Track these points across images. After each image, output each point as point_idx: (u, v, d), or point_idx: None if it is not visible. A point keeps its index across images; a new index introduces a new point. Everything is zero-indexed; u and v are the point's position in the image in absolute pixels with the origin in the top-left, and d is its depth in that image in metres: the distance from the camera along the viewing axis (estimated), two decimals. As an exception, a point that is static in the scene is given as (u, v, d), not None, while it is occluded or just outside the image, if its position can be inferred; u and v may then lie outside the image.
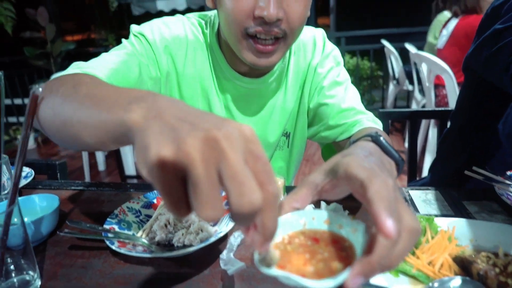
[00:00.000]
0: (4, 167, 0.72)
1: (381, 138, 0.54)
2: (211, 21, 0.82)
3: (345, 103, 0.83)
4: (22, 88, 4.39)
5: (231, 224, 0.62)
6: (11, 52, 4.63)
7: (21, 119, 4.54)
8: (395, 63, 3.69)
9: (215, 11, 0.82)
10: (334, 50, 0.89)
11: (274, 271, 0.33)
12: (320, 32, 0.89)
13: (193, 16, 0.84)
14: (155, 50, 0.77)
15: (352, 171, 0.37)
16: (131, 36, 0.79)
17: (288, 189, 0.78)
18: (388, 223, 0.32)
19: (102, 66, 0.68)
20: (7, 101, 4.49)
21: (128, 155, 2.78)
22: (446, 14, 3.08)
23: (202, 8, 4.78)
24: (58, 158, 3.80)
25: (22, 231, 0.53)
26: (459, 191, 0.76)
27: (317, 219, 0.40)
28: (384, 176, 0.37)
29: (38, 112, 0.51)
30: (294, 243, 0.38)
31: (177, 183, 0.27)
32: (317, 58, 0.87)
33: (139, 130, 0.31)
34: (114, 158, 2.73)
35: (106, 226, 0.63)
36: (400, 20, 4.80)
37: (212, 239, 0.59)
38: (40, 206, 0.72)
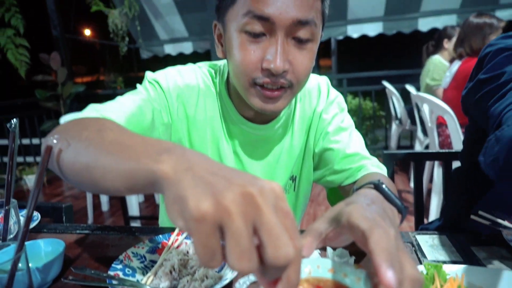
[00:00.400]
0: (12, 211, 0.72)
1: (384, 186, 0.55)
2: (221, 70, 0.86)
3: (350, 148, 0.85)
4: (31, 129, 4.49)
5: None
6: (23, 95, 4.79)
7: (28, 159, 4.59)
8: (396, 103, 3.76)
9: (224, 61, 0.87)
10: (338, 97, 0.92)
11: None
12: (324, 80, 0.93)
13: (204, 66, 0.88)
14: (168, 97, 0.80)
15: (354, 221, 0.39)
16: (146, 82, 0.82)
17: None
18: (389, 274, 0.33)
19: (119, 110, 0.71)
20: (16, 142, 4.56)
21: (132, 196, 2.77)
22: (438, 57, 3.18)
23: (208, 52, 4.97)
24: (62, 198, 3.79)
25: (27, 278, 0.53)
26: (467, 236, 0.75)
27: (322, 267, 0.40)
28: (386, 226, 0.38)
29: (57, 154, 0.51)
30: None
31: (213, 235, 0.28)
32: (322, 104, 0.90)
33: (171, 182, 0.32)
34: (118, 199, 2.72)
35: (111, 272, 0.63)
36: (400, 63, 4.95)
37: (217, 287, 0.58)
38: (45, 251, 0.72)
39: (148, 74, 0.83)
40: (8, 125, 0.65)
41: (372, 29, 4.86)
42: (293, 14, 0.65)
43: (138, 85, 0.83)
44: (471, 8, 4.47)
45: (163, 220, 1.02)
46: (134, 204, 2.84)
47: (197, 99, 0.83)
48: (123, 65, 5.61)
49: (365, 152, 0.86)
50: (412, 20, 4.73)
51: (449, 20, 4.60)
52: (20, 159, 4.60)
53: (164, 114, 0.80)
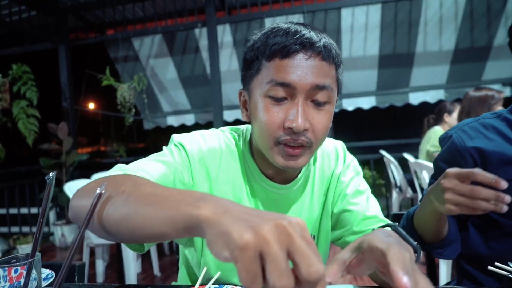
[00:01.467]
0: (37, 265, 0.73)
1: (399, 228, 0.60)
2: (243, 133, 0.92)
3: (369, 211, 0.89)
4: (31, 199, 4.46)
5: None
6: (27, 162, 4.85)
7: (24, 229, 4.48)
8: (395, 171, 3.84)
9: (245, 126, 0.94)
10: (353, 161, 0.98)
11: None
12: (340, 144, 0.99)
13: (227, 130, 0.94)
14: (191, 160, 0.85)
15: (374, 243, 0.47)
16: (171, 145, 0.87)
17: None
18: (404, 279, 0.40)
19: (146, 170, 0.75)
20: (14, 211, 4.51)
21: (130, 266, 2.68)
22: (438, 127, 3.38)
23: (210, 123, 5.17)
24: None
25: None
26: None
27: None
28: (401, 249, 0.45)
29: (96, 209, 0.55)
30: None
31: (255, 260, 0.34)
32: (340, 167, 0.94)
33: (213, 222, 0.38)
34: (115, 269, 2.63)
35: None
36: (394, 133, 5.15)
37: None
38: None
39: (175, 137, 0.89)
40: (46, 178, 0.69)
41: (366, 103, 5.16)
42: (311, 80, 0.73)
43: (164, 147, 0.88)
44: (456, 84, 4.82)
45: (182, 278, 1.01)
46: (132, 276, 2.73)
47: (220, 161, 0.88)
48: (125, 136, 5.77)
49: (382, 215, 0.90)
50: (403, 94, 5.05)
51: (438, 94, 4.92)
52: (15, 228, 4.49)
53: (186, 175, 0.84)
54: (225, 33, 4.75)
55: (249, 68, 0.81)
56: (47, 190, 0.69)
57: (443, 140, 1.05)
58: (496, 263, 0.73)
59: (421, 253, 0.61)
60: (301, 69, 0.73)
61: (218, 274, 0.80)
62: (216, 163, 0.88)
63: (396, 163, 3.80)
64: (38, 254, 0.75)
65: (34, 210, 4.51)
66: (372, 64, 4.93)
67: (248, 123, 0.88)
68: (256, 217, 0.37)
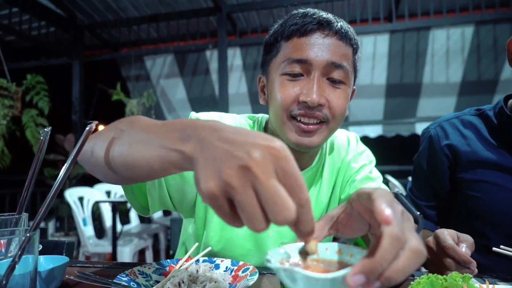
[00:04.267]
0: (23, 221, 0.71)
1: (402, 196, 0.56)
2: (259, 120, 0.92)
3: None
4: (32, 209, 4.43)
5: (248, 284, 0.58)
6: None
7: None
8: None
9: (262, 114, 0.94)
10: (366, 150, 0.96)
11: (279, 266, 0.35)
12: (353, 134, 0.98)
13: (243, 116, 0.94)
14: None
15: (361, 190, 0.43)
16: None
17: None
18: (387, 211, 0.35)
19: None
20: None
21: None
22: None
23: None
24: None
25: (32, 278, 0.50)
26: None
27: (330, 249, 0.43)
28: (394, 202, 0.40)
29: (93, 147, 0.56)
30: (307, 264, 0.40)
31: (225, 206, 0.34)
32: (351, 154, 0.92)
33: (192, 162, 0.37)
34: None
35: (116, 281, 0.59)
36: (400, 160, 5.11)
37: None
38: (46, 265, 0.68)
39: (193, 114, 0.88)
40: (41, 132, 0.69)
41: (372, 131, 5.14)
42: (328, 57, 0.74)
43: None
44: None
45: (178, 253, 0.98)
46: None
47: None
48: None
49: None
50: (410, 125, 5.04)
51: (445, 125, 4.90)
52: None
53: None
54: (235, 57, 4.86)
55: (268, 51, 0.82)
56: (40, 144, 0.68)
57: (423, 135, 1.06)
58: (502, 246, 0.70)
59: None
60: (318, 46, 0.74)
61: (209, 249, 0.77)
62: None
63: (401, 188, 3.73)
64: (25, 214, 0.73)
65: (33, 222, 4.46)
66: (379, 93, 4.97)
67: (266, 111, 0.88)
68: (224, 154, 0.34)
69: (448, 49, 4.63)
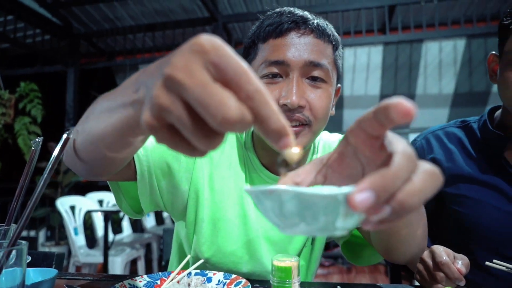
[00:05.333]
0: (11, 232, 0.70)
1: None
2: None
3: None
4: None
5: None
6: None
7: None
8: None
9: None
10: None
11: (262, 188, 0.29)
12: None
13: None
14: None
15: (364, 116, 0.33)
16: None
17: (305, 285, 0.73)
18: (406, 102, 0.27)
19: (146, 144, 0.75)
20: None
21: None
22: None
23: (210, 153, 5.15)
24: None
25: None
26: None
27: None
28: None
29: (73, 144, 0.54)
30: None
31: (168, 133, 0.29)
32: None
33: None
34: None
35: (106, 295, 0.58)
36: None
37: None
38: (35, 278, 0.67)
39: None
40: (32, 142, 0.68)
41: (367, 141, 5.17)
42: (305, 57, 0.72)
43: None
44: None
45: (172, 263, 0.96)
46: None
47: (224, 146, 0.87)
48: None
49: None
50: (404, 135, 5.08)
51: (438, 136, 4.95)
52: (2, 248, 4.35)
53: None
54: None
55: (247, 54, 0.81)
56: (31, 154, 0.68)
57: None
58: (494, 260, 0.70)
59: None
60: (294, 46, 0.72)
61: (201, 261, 0.76)
62: (220, 147, 0.86)
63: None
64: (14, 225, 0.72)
65: (25, 232, 4.39)
66: (373, 103, 4.99)
67: None
68: (152, 77, 0.31)
69: (440, 61, 4.70)
